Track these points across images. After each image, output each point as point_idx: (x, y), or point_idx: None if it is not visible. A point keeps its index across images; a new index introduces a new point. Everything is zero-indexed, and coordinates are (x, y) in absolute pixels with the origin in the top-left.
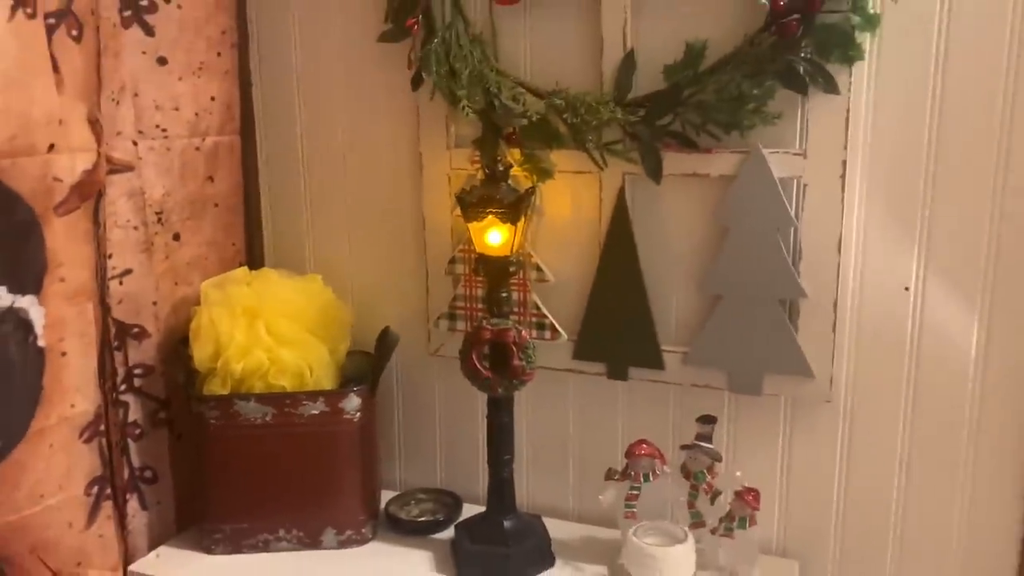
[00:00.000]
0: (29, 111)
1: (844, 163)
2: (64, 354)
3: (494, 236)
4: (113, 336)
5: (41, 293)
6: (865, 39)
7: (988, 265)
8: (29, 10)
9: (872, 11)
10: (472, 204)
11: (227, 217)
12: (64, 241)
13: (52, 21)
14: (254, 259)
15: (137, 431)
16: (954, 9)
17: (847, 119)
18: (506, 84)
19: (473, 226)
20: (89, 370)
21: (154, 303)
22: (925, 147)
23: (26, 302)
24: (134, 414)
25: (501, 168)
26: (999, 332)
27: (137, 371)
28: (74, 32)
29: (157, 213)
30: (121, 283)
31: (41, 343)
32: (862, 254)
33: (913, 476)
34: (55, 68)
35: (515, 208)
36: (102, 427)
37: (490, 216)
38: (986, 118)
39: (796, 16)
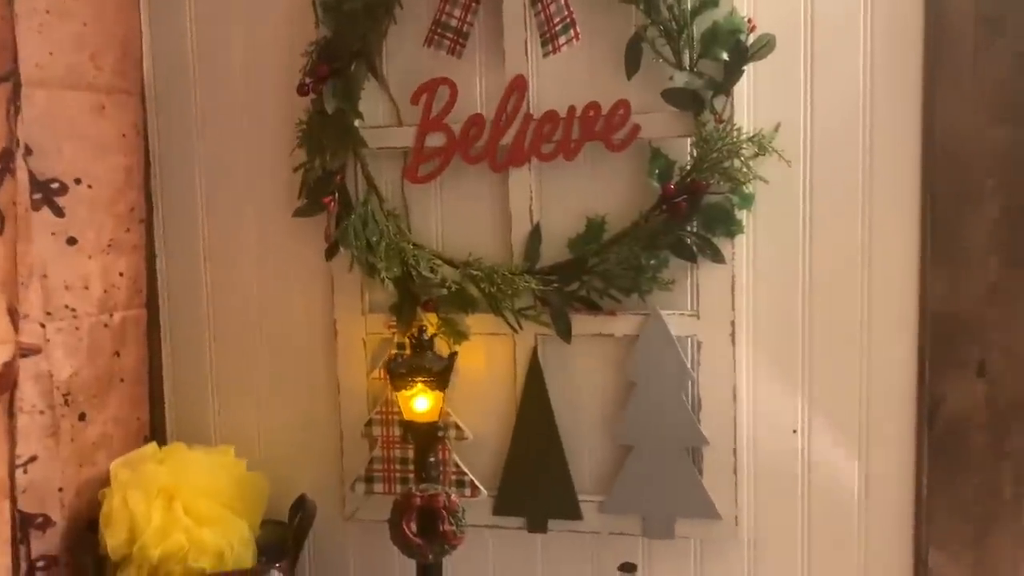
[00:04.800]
0: None
1: (732, 323)
2: None
3: (421, 403)
4: (15, 529)
5: None
6: (743, 215)
7: (862, 404)
8: None
9: (748, 192)
10: (401, 373)
11: (133, 391)
12: None
13: None
14: (156, 432)
15: None
16: (814, 187)
17: (732, 285)
18: (423, 256)
19: (401, 394)
20: (3, 571)
21: (60, 489)
22: (800, 306)
23: None
24: None
25: (426, 337)
26: (876, 466)
27: (40, 563)
28: None
29: (64, 395)
30: (26, 471)
31: None
32: (753, 402)
33: None
34: None
35: (442, 376)
36: None
37: (419, 384)
38: (848, 277)
39: (684, 197)
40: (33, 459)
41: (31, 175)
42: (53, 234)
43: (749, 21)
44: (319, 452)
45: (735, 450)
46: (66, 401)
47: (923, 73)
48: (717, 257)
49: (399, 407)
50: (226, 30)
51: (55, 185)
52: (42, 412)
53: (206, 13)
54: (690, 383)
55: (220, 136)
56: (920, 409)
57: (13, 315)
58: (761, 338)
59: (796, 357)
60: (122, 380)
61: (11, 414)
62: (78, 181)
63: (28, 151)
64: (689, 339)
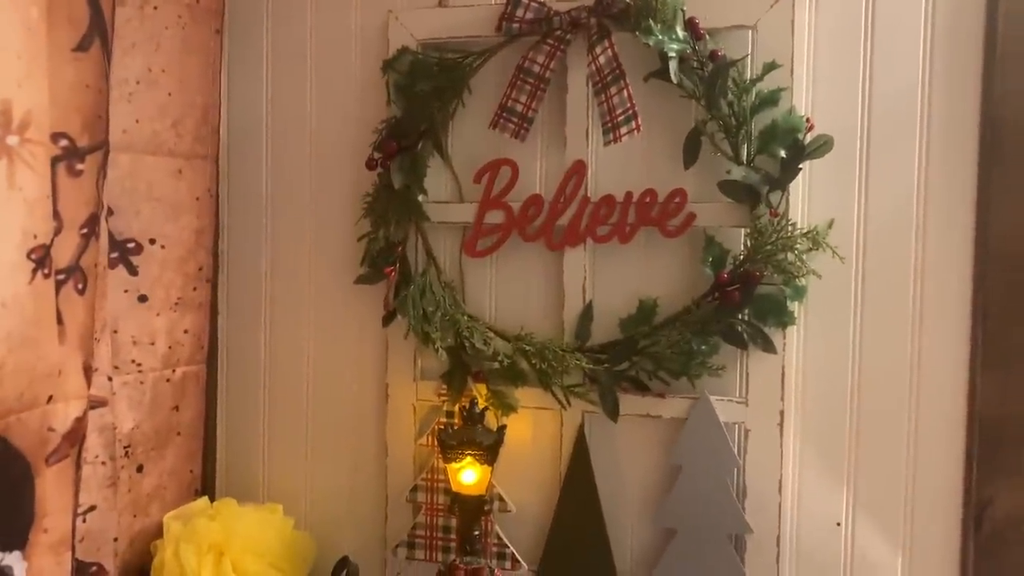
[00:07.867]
0: (35, 366)
1: (781, 412)
2: None
3: (469, 475)
4: None
5: (26, 547)
6: (796, 307)
7: (907, 501)
8: (46, 271)
9: (801, 284)
10: (451, 445)
11: (188, 445)
12: (52, 491)
13: (61, 277)
14: (207, 486)
15: None
16: (867, 284)
17: (782, 375)
18: (477, 328)
19: (450, 466)
20: None
21: (115, 539)
22: (848, 400)
23: (12, 559)
24: None
25: (478, 410)
26: (919, 566)
27: None
28: (79, 286)
29: (125, 447)
30: (84, 520)
31: None
32: (799, 493)
33: None
34: (59, 320)
35: (492, 450)
36: None
37: (468, 456)
38: (898, 374)
39: (737, 286)
40: (92, 508)
41: (110, 234)
42: (125, 291)
43: (807, 120)
44: (363, 514)
45: (778, 539)
46: (126, 453)
47: (978, 175)
48: (768, 347)
49: (445, 475)
50: (301, 102)
51: (131, 245)
52: (104, 463)
53: (283, 86)
54: (736, 470)
55: (288, 202)
56: (967, 511)
57: (88, 372)
58: (809, 429)
59: (843, 451)
60: (179, 434)
61: (78, 466)
62: (152, 241)
63: (109, 212)
64: (737, 426)
